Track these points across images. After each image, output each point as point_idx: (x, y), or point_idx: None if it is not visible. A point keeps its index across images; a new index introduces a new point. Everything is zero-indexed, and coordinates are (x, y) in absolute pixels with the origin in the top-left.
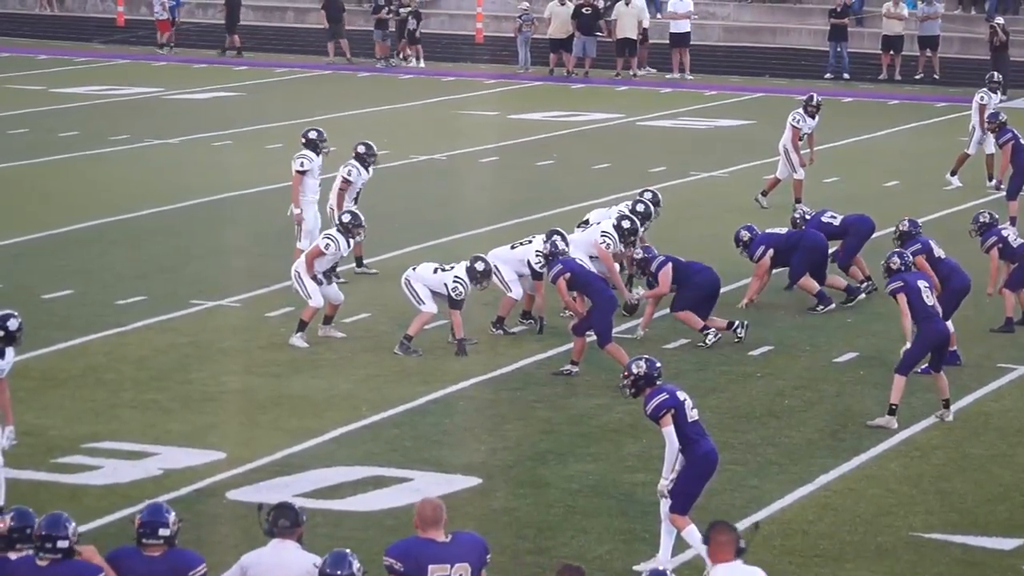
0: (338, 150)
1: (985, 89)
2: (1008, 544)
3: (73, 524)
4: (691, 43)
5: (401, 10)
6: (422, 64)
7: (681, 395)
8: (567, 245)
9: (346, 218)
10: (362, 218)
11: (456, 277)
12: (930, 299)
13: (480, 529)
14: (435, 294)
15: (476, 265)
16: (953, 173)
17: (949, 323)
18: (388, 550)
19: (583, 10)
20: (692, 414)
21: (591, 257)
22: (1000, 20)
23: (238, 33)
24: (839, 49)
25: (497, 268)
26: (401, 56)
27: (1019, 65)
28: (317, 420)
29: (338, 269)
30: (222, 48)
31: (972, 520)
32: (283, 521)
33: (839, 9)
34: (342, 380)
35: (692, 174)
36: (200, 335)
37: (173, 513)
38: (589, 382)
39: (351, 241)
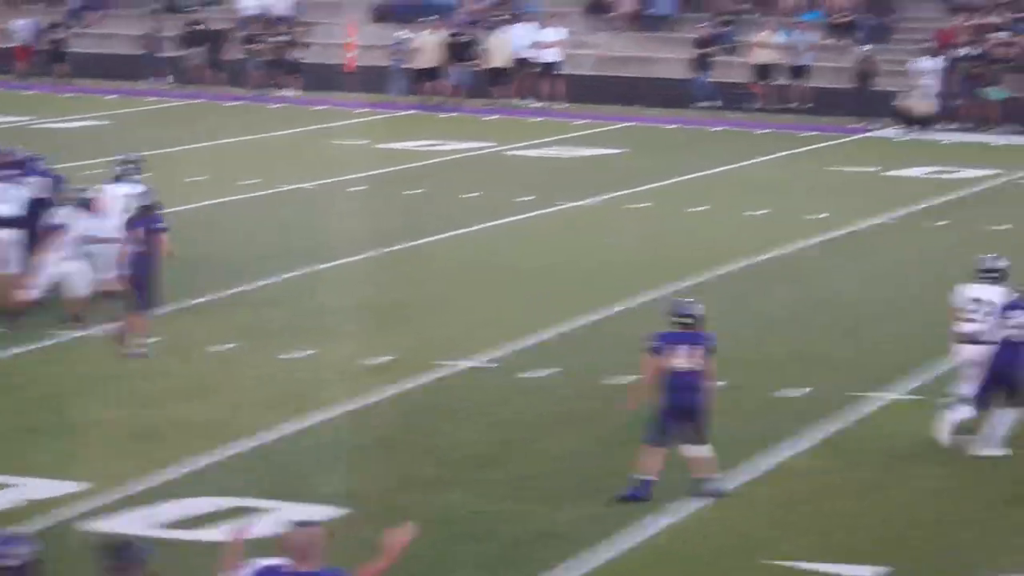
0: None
1: None
2: (866, 572)
3: (25, 542)
4: (563, 72)
5: (270, 39)
6: (299, 93)
7: None
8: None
9: None
10: None
11: None
12: None
13: (346, 561)
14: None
15: None
16: None
17: None
18: None
19: (455, 39)
20: None
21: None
22: (867, 47)
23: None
24: (705, 78)
25: None
26: (277, 86)
27: (887, 95)
28: (185, 448)
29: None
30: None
31: (838, 547)
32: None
33: (705, 39)
34: (213, 408)
35: (558, 203)
36: (73, 365)
37: (26, 544)
38: (455, 412)
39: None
